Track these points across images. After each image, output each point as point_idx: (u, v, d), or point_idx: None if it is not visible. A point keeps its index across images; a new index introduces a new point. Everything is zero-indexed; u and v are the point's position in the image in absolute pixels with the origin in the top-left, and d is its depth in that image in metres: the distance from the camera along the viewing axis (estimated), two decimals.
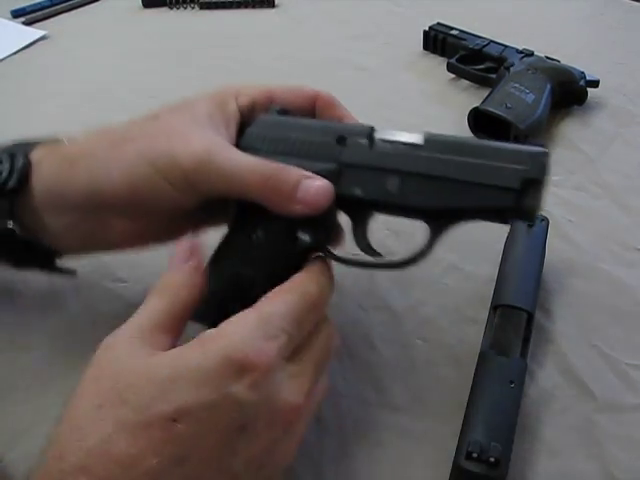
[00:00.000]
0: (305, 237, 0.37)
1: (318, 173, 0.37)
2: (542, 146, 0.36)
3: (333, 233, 0.39)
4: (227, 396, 0.28)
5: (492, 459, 0.35)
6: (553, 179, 0.60)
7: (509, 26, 0.83)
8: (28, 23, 0.92)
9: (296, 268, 0.36)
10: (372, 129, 0.39)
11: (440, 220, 0.37)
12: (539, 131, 0.64)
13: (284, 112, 0.41)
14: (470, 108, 0.64)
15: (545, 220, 0.49)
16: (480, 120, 0.63)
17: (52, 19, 0.94)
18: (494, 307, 0.45)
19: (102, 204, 0.38)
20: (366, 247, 0.40)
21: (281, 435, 0.31)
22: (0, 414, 0.41)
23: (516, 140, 0.61)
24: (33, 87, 0.79)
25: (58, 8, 0.95)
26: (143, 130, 0.40)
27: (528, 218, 0.36)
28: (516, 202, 0.35)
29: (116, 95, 0.75)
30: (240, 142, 0.39)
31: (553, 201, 0.57)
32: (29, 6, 0.94)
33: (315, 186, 0.36)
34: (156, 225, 0.40)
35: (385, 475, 0.38)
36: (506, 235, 0.49)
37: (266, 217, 0.36)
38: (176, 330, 0.32)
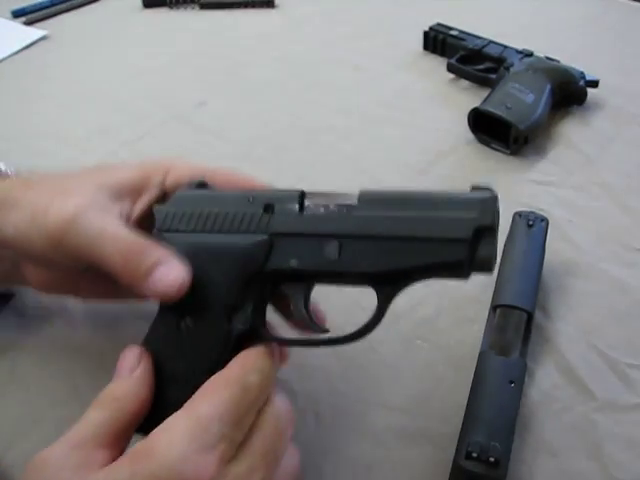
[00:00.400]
0: (239, 322, 0.34)
1: (247, 247, 0.34)
2: (488, 190, 0.33)
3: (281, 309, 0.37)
4: None
5: (492, 459, 0.35)
6: (553, 179, 0.60)
7: (509, 26, 0.83)
8: (28, 23, 0.92)
9: (235, 355, 0.33)
10: (302, 193, 0.35)
11: (388, 284, 0.34)
12: (539, 131, 0.64)
13: (203, 185, 0.38)
14: (470, 108, 0.64)
15: (545, 220, 0.49)
16: (480, 120, 0.63)
17: (52, 19, 0.94)
18: (494, 307, 0.45)
19: (7, 247, 0.38)
20: (309, 323, 0.36)
21: None
22: None
23: (515, 141, 0.62)
24: (33, 87, 0.79)
25: (58, 8, 0.95)
26: (53, 180, 0.39)
27: (485, 269, 0.32)
28: (469, 254, 0.32)
29: (116, 95, 0.75)
30: (156, 223, 0.37)
31: (553, 201, 0.57)
32: (29, 6, 0.94)
33: (168, 277, 0.33)
34: (68, 278, 0.39)
35: (385, 475, 0.38)
36: (506, 235, 0.49)
37: (194, 300, 0.34)
38: (118, 444, 0.30)
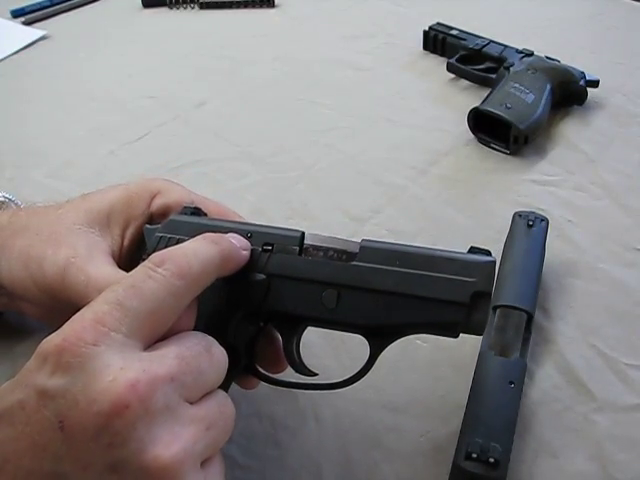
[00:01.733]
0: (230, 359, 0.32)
1: (243, 285, 0.33)
2: (487, 252, 0.34)
3: (267, 350, 0.36)
4: (33, 391, 0.25)
5: (492, 459, 0.35)
6: (553, 179, 0.60)
7: (509, 26, 0.83)
8: (28, 23, 0.92)
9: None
10: (302, 235, 0.35)
11: (381, 336, 0.34)
12: (539, 131, 0.64)
13: (197, 212, 0.37)
14: (470, 108, 0.63)
15: (545, 220, 0.49)
16: (480, 120, 0.63)
17: (52, 19, 0.94)
18: (494, 307, 0.45)
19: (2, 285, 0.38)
20: (299, 365, 0.36)
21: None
22: None
23: (515, 141, 0.61)
24: (32, 87, 0.79)
25: (58, 8, 0.95)
26: (38, 225, 0.39)
27: (476, 332, 0.33)
28: (466, 317, 0.32)
29: (116, 95, 0.75)
30: (147, 246, 0.36)
31: (553, 201, 0.57)
32: (29, 6, 0.94)
33: None
34: (67, 314, 0.40)
35: (385, 475, 0.38)
36: (506, 235, 0.49)
37: None
38: None
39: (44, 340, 0.26)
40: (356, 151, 0.64)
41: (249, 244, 0.34)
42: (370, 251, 0.33)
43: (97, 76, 0.80)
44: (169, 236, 0.35)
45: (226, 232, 0.34)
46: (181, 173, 0.61)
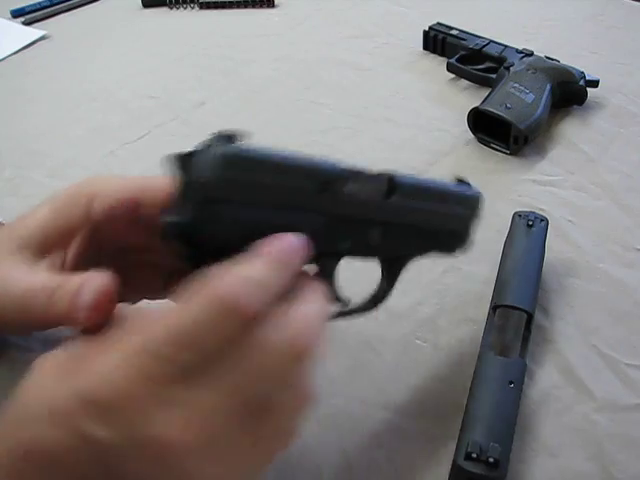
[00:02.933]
0: None
1: (306, 230, 0.30)
2: (469, 184, 0.40)
3: None
4: (77, 434, 0.24)
5: (491, 459, 0.35)
6: (553, 179, 0.60)
7: (509, 26, 0.83)
8: (28, 23, 0.92)
9: None
10: (350, 171, 0.33)
11: (397, 263, 0.37)
12: (539, 131, 0.64)
13: (231, 139, 0.30)
14: (470, 108, 0.64)
15: (545, 220, 0.49)
16: (480, 120, 0.63)
17: (52, 19, 0.94)
18: (494, 307, 0.45)
19: None
20: (337, 295, 0.35)
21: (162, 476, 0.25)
22: None
23: (515, 141, 0.61)
24: (33, 87, 0.79)
25: (58, 8, 0.95)
26: None
27: (464, 251, 0.40)
28: (461, 241, 0.40)
29: (116, 95, 0.75)
30: (198, 190, 0.28)
31: (553, 201, 0.57)
32: (29, 6, 0.94)
33: (94, 289, 0.29)
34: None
35: (385, 475, 0.38)
36: (506, 235, 0.49)
37: None
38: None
39: (85, 378, 0.25)
40: (356, 151, 0.64)
41: (305, 244, 0.29)
42: (402, 187, 0.35)
43: (97, 76, 0.80)
44: (225, 176, 0.28)
45: (282, 169, 0.30)
46: None
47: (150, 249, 0.36)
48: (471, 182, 0.40)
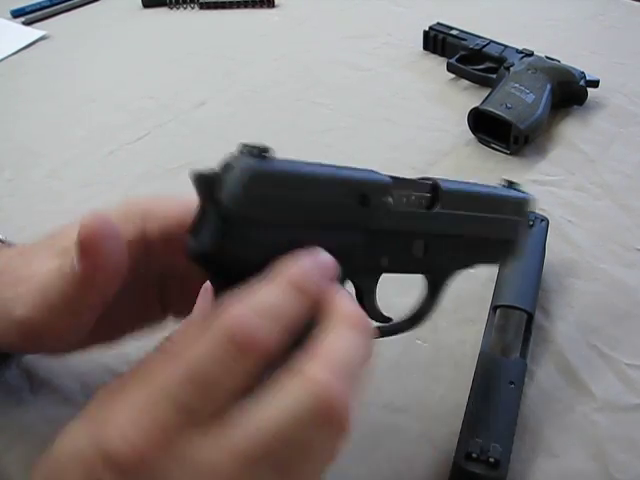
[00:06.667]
0: None
1: (344, 247, 0.29)
2: (519, 187, 0.38)
3: None
4: None
5: (492, 459, 0.35)
6: (553, 179, 0.60)
7: (509, 26, 0.83)
8: (28, 23, 0.92)
9: None
10: (390, 181, 0.31)
11: (441, 275, 0.35)
12: (539, 131, 0.64)
13: (265, 153, 0.27)
14: (470, 108, 0.63)
15: (545, 220, 0.49)
16: (480, 120, 0.63)
17: (52, 19, 0.94)
18: (494, 307, 0.45)
19: None
20: (378, 315, 0.34)
21: None
22: None
23: (516, 141, 0.61)
24: (33, 87, 0.79)
25: (58, 8, 0.95)
26: (9, 268, 0.35)
27: (518, 257, 0.38)
28: (512, 249, 0.37)
29: (115, 95, 0.75)
30: (226, 206, 0.26)
31: (553, 201, 0.57)
32: (29, 6, 0.94)
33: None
34: (72, 347, 0.37)
35: (385, 475, 0.38)
36: None
37: None
38: None
39: (109, 441, 0.24)
40: (356, 151, 0.64)
41: (333, 263, 0.27)
42: (448, 196, 0.33)
43: (97, 76, 0.80)
44: (258, 194, 0.26)
45: (316, 183, 0.28)
46: (181, 173, 0.61)
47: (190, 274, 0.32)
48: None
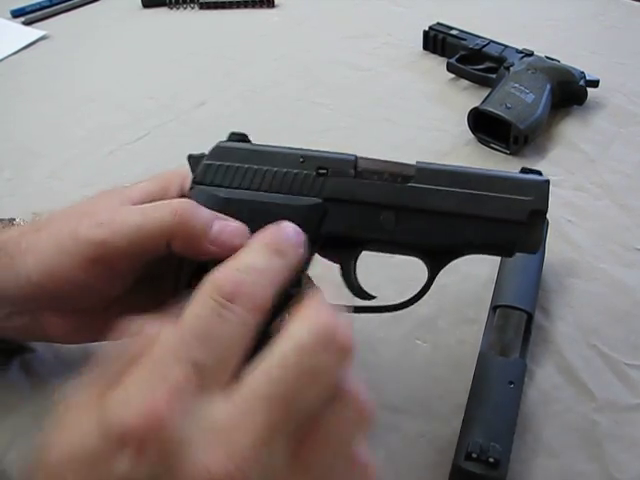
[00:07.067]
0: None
1: (299, 210, 0.33)
2: (539, 173, 0.35)
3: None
4: (110, 477, 0.22)
5: (492, 459, 0.35)
6: (553, 179, 0.59)
7: (509, 26, 0.83)
8: (28, 23, 0.92)
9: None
10: (356, 158, 0.35)
11: (439, 257, 0.34)
12: (539, 131, 0.64)
13: (242, 138, 0.36)
14: (470, 108, 0.63)
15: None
16: (480, 120, 0.63)
17: (52, 19, 0.93)
18: (494, 307, 0.45)
19: (26, 298, 0.35)
20: (357, 289, 0.36)
21: None
22: None
23: (515, 141, 0.61)
24: (32, 87, 0.79)
25: (58, 8, 0.95)
26: (64, 213, 0.37)
27: (533, 250, 0.35)
28: (524, 235, 0.33)
29: (115, 95, 0.75)
30: (196, 177, 0.35)
31: (553, 201, 0.56)
32: (29, 6, 0.94)
33: (229, 226, 0.32)
34: (91, 320, 0.37)
35: (385, 475, 0.38)
36: None
37: None
38: None
39: (108, 411, 0.23)
40: (356, 151, 0.64)
41: (304, 238, 0.30)
42: (426, 173, 0.34)
43: (97, 76, 0.80)
44: (218, 163, 0.34)
45: (278, 156, 0.34)
46: None
47: None
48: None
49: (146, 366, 0.24)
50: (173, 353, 0.23)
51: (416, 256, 0.35)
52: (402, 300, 0.36)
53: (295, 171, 0.34)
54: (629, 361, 0.44)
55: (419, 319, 0.47)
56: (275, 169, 0.34)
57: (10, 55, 0.84)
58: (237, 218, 0.33)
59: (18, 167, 0.64)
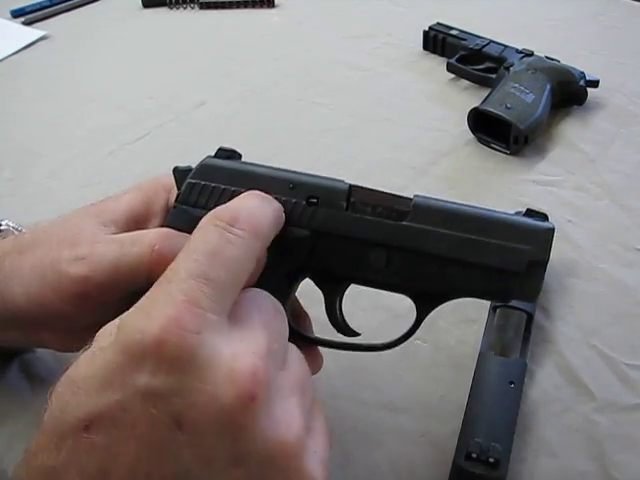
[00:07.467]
0: None
1: (286, 242, 0.31)
2: (545, 217, 0.33)
3: (294, 313, 0.34)
4: (134, 391, 0.23)
5: (492, 459, 0.35)
6: (553, 179, 0.60)
7: (509, 26, 0.83)
8: (28, 23, 0.92)
9: None
10: (350, 188, 0.32)
11: (429, 299, 0.33)
12: (539, 131, 0.64)
13: (234, 155, 0.34)
14: (470, 108, 0.63)
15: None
16: (480, 120, 0.63)
17: (52, 19, 0.93)
18: (494, 307, 0.45)
19: (15, 317, 0.35)
20: (342, 325, 0.35)
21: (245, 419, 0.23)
22: None
23: (515, 141, 0.61)
24: (32, 87, 0.79)
25: (58, 8, 0.95)
26: (46, 234, 0.36)
27: (529, 299, 0.33)
28: (520, 285, 0.31)
29: (115, 95, 0.75)
30: (179, 196, 0.33)
31: (553, 201, 0.57)
32: (29, 6, 0.94)
33: None
34: (88, 333, 0.37)
35: (385, 475, 0.38)
36: None
37: None
38: None
39: (125, 328, 0.24)
40: (356, 151, 0.64)
41: (281, 207, 0.31)
42: (423, 210, 0.31)
43: (97, 76, 0.80)
44: (203, 183, 0.33)
45: (266, 180, 0.32)
46: None
47: None
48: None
49: (160, 284, 0.25)
50: (186, 270, 0.25)
51: (406, 295, 0.33)
52: (388, 341, 0.34)
53: (284, 198, 0.31)
54: (629, 361, 0.44)
55: None
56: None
57: (10, 55, 0.84)
58: None
59: (18, 167, 0.64)
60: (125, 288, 0.33)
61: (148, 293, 0.25)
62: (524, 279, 0.31)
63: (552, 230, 0.32)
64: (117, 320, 0.25)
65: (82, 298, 0.33)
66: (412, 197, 0.32)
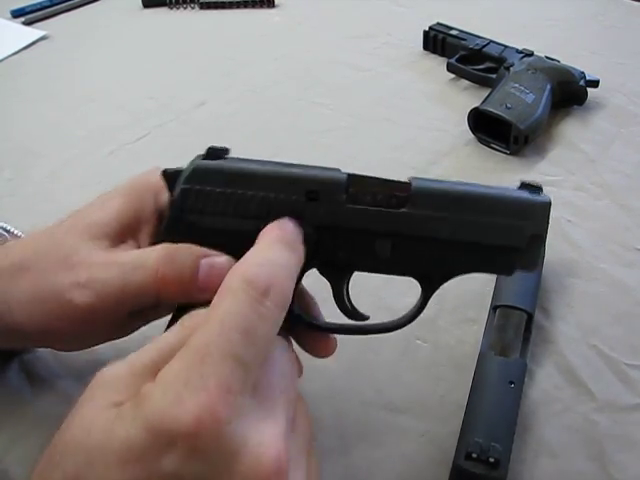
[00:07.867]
0: None
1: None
2: (540, 189, 0.33)
3: (301, 301, 0.35)
4: (160, 474, 0.22)
5: (492, 459, 0.35)
6: (553, 179, 0.60)
7: (509, 26, 0.83)
8: (28, 23, 0.92)
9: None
10: (348, 178, 0.32)
11: (434, 279, 0.34)
12: (539, 131, 0.64)
13: (220, 153, 0.33)
14: (470, 108, 0.63)
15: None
16: (480, 120, 0.63)
17: (52, 19, 0.93)
18: (494, 307, 0.45)
19: (16, 330, 0.34)
20: (351, 310, 0.35)
21: None
22: None
23: (515, 141, 0.61)
24: (33, 87, 0.79)
25: (58, 8, 0.95)
26: (37, 255, 0.34)
27: (531, 269, 0.34)
28: (520, 259, 0.33)
29: (115, 95, 0.75)
30: (173, 204, 0.32)
31: (553, 201, 0.56)
32: (29, 6, 0.94)
33: (218, 264, 0.30)
34: (94, 337, 0.36)
35: (385, 475, 0.38)
36: None
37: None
38: None
39: (153, 407, 0.23)
40: (356, 151, 0.64)
41: (301, 236, 0.31)
42: (422, 195, 0.31)
43: (97, 76, 0.80)
44: (198, 188, 0.32)
45: (263, 180, 0.31)
46: None
47: None
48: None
49: (189, 360, 0.24)
50: (218, 348, 0.24)
51: (412, 277, 0.34)
52: (396, 320, 0.35)
53: (283, 196, 0.31)
54: (629, 361, 0.44)
55: (419, 319, 0.47)
56: (261, 194, 0.31)
57: (10, 55, 0.84)
58: (221, 249, 0.31)
59: (18, 167, 0.64)
60: (134, 306, 0.33)
61: (177, 371, 0.23)
62: (525, 252, 0.32)
63: (549, 204, 0.33)
64: (139, 380, 0.24)
65: (89, 322, 0.33)
66: (409, 180, 0.32)
